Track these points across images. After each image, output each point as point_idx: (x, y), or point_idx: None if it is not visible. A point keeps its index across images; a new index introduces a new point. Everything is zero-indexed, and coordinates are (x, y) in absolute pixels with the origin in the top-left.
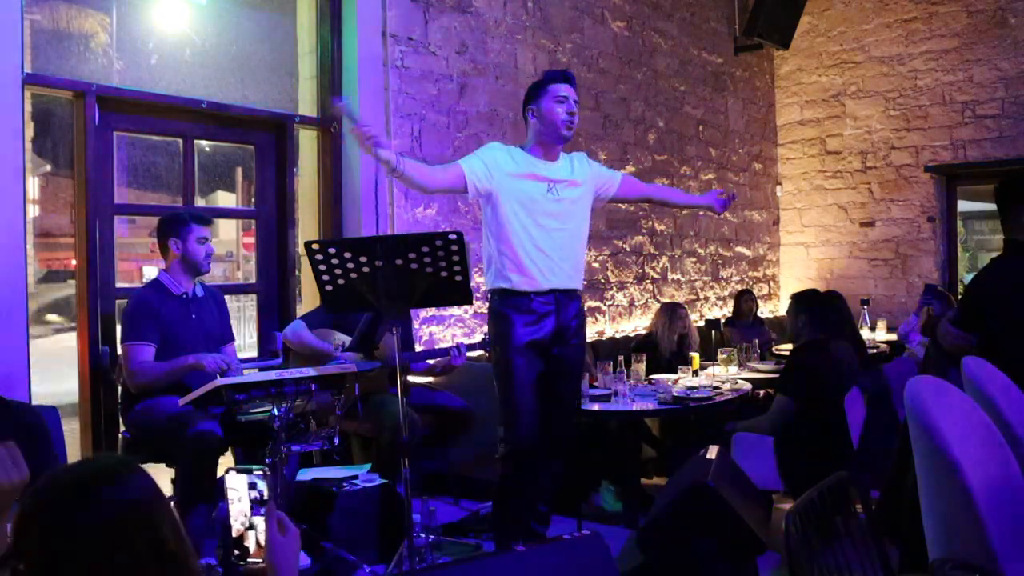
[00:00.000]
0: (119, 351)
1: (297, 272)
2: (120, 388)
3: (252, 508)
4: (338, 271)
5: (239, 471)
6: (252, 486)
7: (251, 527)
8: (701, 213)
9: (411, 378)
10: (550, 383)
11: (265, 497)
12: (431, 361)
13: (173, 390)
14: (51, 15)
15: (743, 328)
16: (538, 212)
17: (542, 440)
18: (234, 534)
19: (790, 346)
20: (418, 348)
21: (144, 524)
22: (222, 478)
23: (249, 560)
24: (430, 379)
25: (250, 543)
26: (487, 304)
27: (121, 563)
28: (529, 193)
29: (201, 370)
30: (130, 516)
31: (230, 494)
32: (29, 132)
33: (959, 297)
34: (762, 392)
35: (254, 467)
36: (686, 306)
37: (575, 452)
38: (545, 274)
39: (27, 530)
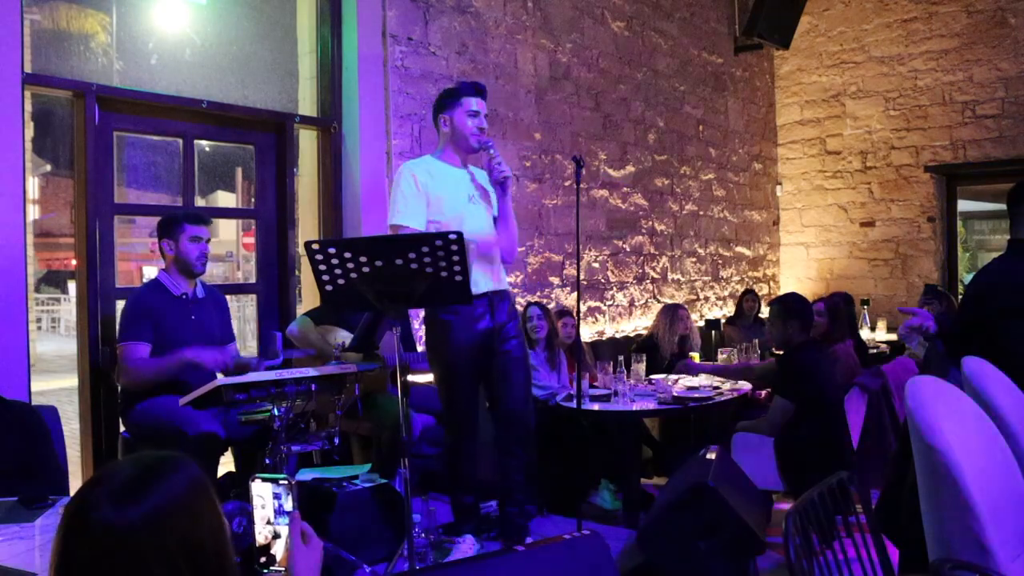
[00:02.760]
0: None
1: (297, 272)
2: (120, 388)
3: (276, 516)
4: (338, 271)
5: (264, 479)
6: (276, 495)
7: (277, 535)
8: (701, 213)
9: (411, 377)
10: (500, 379)
11: (289, 507)
12: None
13: (173, 390)
14: (51, 15)
15: (742, 328)
16: (463, 220)
17: (499, 435)
18: (260, 540)
19: None
20: (420, 348)
21: (180, 524)
22: (222, 478)
23: (272, 568)
24: (431, 377)
25: (277, 551)
26: None
27: (155, 563)
28: (453, 200)
29: (199, 368)
30: (166, 516)
31: (255, 500)
32: (29, 132)
33: (959, 297)
34: (763, 392)
35: (279, 476)
36: (687, 307)
37: (537, 444)
38: (477, 279)
39: (74, 529)
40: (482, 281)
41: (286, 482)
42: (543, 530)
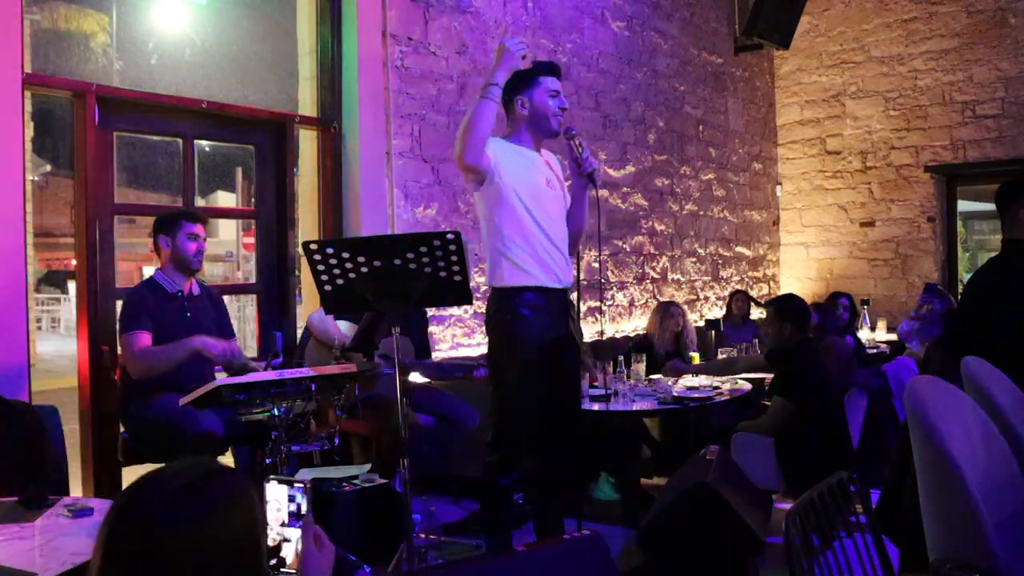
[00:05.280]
0: (119, 349)
1: (297, 272)
2: (120, 388)
3: (290, 519)
4: (336, 271)
5: (281, 481)
6: (291, 498)
7: (287, 539)
8: (701, 213)
9: (413, 376)
10: (555, 389)
11: (303, 510)
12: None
13: (173, 389)
14: (51, 15)
15: (728, 328)
16: (543, 203)
17: (545, 447)
18: (270, 543)
19: None
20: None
21: (226, 531)
22: None
23: (283, 570)
24: (430, 380)
25: (287, 554)
26: (488, 306)
27: (199, 565)
28: (533, 183)
29: (206, 357)
30: (215, 522)
31: (269, 504)
32: (29, 132)
33: (959, 297)
34: (768, 392)
35: (295, 479)
36: (684, 306)
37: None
38: (559, 269)
39: (124, 527)
40: (563, 273)
41: (301, 485)
42: None
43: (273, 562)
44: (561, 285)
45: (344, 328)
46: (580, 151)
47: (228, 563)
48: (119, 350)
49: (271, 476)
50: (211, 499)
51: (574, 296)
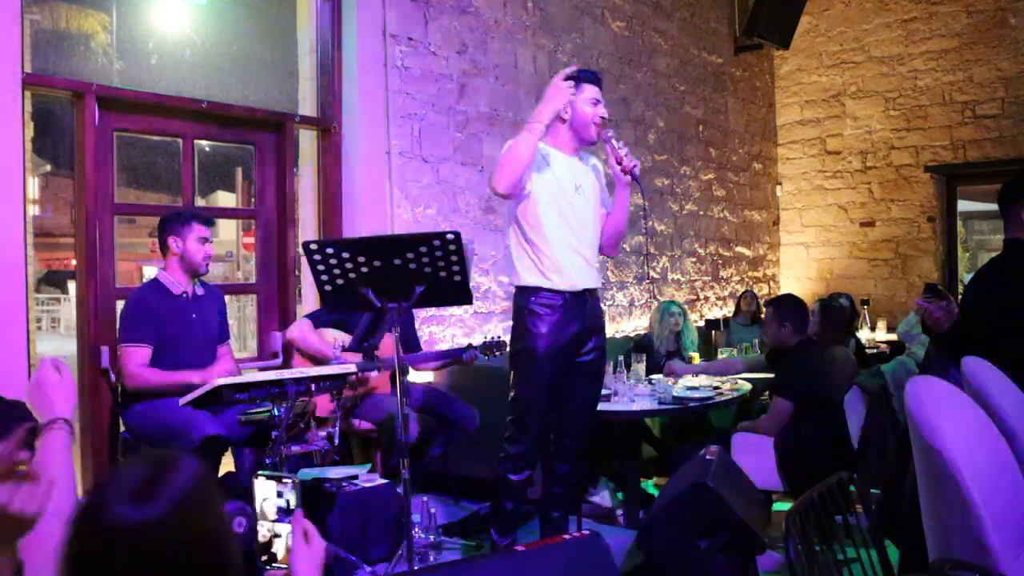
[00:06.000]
0: (118, 351)
1: (297, 272)
2: (120, 388)
3: (279, 515)
4: (336, 271)
5: (268, 477)
6: (279, 493)
7: (277, 535)
8: (701, 213)
9: (413, 377)
10: (569, 388)
11: (292, 505)
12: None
13: (173, 390)
14: (51, 15)
15: (732, 328)
16: (570, 210)
17: (554, 446)
18: (260, 539)
19: None
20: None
21: (194, 518)
22: (222, 478)
23: (275, 565)
24: (431, 376)
25: (278, 550)
26: (512, 302)
27: (173, 557)
28: (561, 191)
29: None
30: (181, 511)
31: (258, 500)
32: (29, 132)
33: (959, 297)
34: (767, 392)
35: (282, 475)
36: (683, 306)
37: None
38: (579, 273)
39: (89, 531)
40: (581, 277)
41: (289, 481)
42: None
43: (264, 558)
44: (577, 290)
45: (332, 336)
46: (620, 151)
47: (195, 557)
48: (118, 351)
49: (259, 472)
50: (171, 493)
51: None
